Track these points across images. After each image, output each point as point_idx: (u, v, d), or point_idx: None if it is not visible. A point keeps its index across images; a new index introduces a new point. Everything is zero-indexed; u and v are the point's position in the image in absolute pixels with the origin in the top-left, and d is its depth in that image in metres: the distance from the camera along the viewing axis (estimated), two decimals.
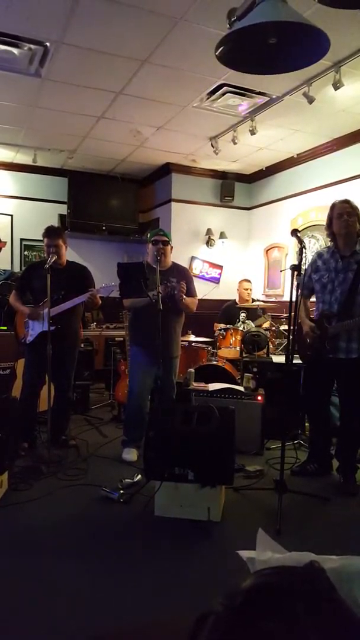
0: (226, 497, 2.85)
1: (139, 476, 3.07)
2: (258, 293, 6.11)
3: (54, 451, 3.48)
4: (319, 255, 3.34)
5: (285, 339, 4.75)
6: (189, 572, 2.18)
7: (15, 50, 3.51)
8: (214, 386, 4.04)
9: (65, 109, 4.50)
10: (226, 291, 6.27)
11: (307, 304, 3.44)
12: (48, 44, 3.41)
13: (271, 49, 1.67)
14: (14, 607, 1.90)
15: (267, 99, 4.23)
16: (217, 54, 1.73)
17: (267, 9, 1.55)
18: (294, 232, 2.85)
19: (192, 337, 4.93)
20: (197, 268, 6.36)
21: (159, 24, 3.14)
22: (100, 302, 3.69)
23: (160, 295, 3.25)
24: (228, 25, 1.81)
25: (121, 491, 2.88)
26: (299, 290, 2.80)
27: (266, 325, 5.03)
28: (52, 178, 6.38)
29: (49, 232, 3.67)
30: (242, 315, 5.09)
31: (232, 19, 1.77)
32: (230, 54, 1.72)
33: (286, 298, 5.63)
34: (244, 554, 0.60)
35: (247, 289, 5.52)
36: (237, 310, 5.20)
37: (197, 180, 6.31)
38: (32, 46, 3.46)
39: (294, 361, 3.34)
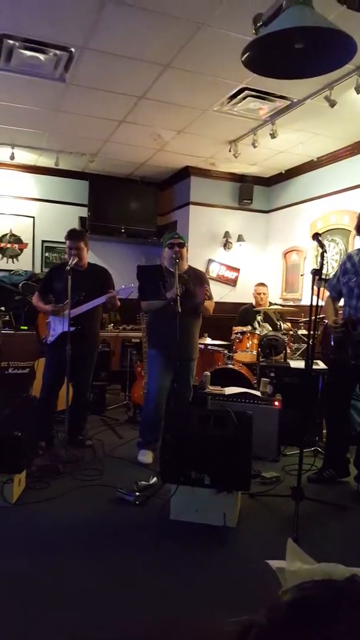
0: (242, 502, 2.83)
1: (155, 479, 3.08)
2: (275, 297, 6.07)
3: (71, 451, 3.51)
4: (349, 257, 3.27)
5: (304, 344, 4.72)
6: (204, 579, 2.17)
7: (41, 56, 3.56)
8: (230, 390, 4.02)
9: (88, 113, 4.54)
10: (243, 294, 6.25)
11: (336, 307, 3.37)
12: (73, 49, 3.45)
13: (297, 54, 1.66)
14: (29, 605, 1.92)
15: (288, 102, 4.21)
16: (243, 59, 1.73)
17: (294, 15, 1.54)
18: (315, 236, 2.82)
19: (209, 340, 4.93)
20: (214, 271, 6.35)
21: (182, 29, 3.16)
22: (119, 303, 3.73)
23: (178, 298, 3.27)
24: (254, 31, 1.81)
25: (137, 493, 2.88)
26: (324, 293, 2.78)
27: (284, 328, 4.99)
28: (74, 181, 6.45)
29: (72, 234, 3.72)
30: (259, 318, 5.07)
31: (258, 24, 1.77)
32: (257, 59, 1.72)
33: (304, 302, 5.63)
34: (274, 563, 0.59)
35: (260, 294, 5.49)
36: (254, 314, 5.18)
37: (215, 183, 6.31)
38: (57, 52, 3.50)
39: (314, 366, 3.31)
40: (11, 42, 3.40)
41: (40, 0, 2.91)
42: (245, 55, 1.70)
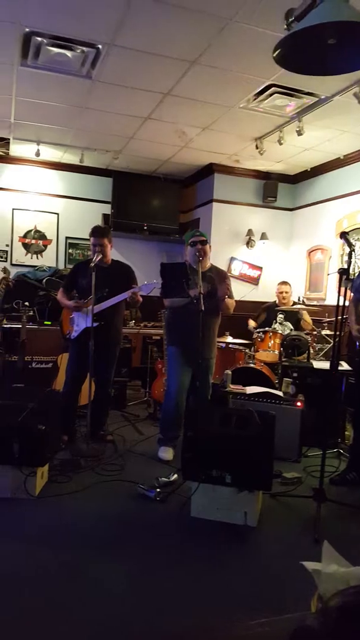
0: (263, 502, 2.82)
1: (175, 475, 3.09)
2: (296, 296, 6.00)
3: (92, 445, 3.55)
4: None
5: (327, 344, 4.66)
6: (224, 577, 2.17)
7: (68, 53, 3.58)
8: (251, 389, 4.00)
9: (114, 110, 4.56)
10: (265, 293, 6.21)
11: (358, 309, 3.32)
12: (100, 46, 3.46)
13: (331, 50, 1.63)
14: (49, 599, 1.94)
15: (316, 99, 4.15)
16: (274, 56, 1.71)
17: (329, 9, 1.51)
18: (343, 235, 2.78)
19: (230, 339, 4.91)
20: (236, 269, 6.31)
21: (210, 25, 3.13)
22: (141, 299, 3.74)
23: (202, 295, 3.27)
24: (285, 26, 1.79)
25: (157, 490, 2.90)
26: (348, 294, 2.74)
27: (307, 321, 4.91)
28: (98, 178, 6.49)
29: (96, 231, 3.75)
30: (280, 316, 5.03)
31: (290, 20, 1.74)
32: (289, 56, 1.70)
33: (328, 302, 5.55)
34: (309, 565, 0.59)
35: (282, 292, 5.41)
36: (276, 313, 5.14)
37: (239, 180, 6.27)
38: (84, 48, 3.51)
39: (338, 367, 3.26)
40: (39, 39, 3.42)
41: None
42: (277, 52, 1.67)
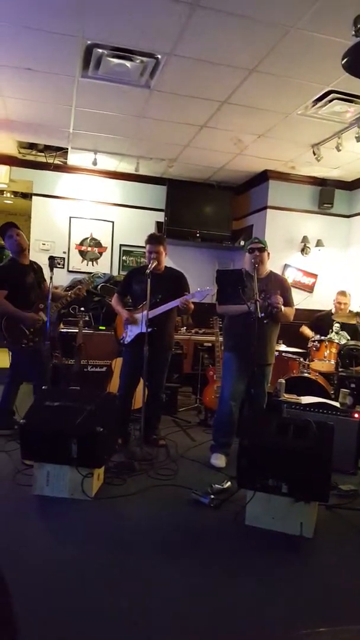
0: (318, 513, 2.75)
1: (229, 483, 3.07)
2: (355, 305, 5.82)
3: (146, 449, 3.59)
4: None
5: None
6: (280, 586, 2.13)
7: (128, 64, 3.66)
8: (306, 399, 3.92)
9: (170, 118, 4.63)
10: (320, 301, 6.08)
11: None
12: (159, 56, 3.53)
13: None
14: (103, 600, 1.96)
15: None
16: (343, 63, 1.68)
17: None
18: None
19: (283, 347, 4.83)
20: (290, 276, 6.21)
21: (271, 33, 3.12)
22: (192, 307, 3.74)
23: (258, 303, 3.25)
24: (353, 32, 1.76)
25: (212, 496, 2.89)
26: None
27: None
28: (152, 186, 6.60)
29: (152, 239, 3.82)
30: (337, 325, 4.90)
31: (359, 26, 1.71)
32: (358, 62, 1.67)
33: None
34: None
35: (340, 303, 5.26)
36: (331, 321, 5.01)
37: (294, 187, 6.18)
38: (144, 59, 3.59)
39: None
40: (100, 50, 3.51)
41: (132, 10, 2.99)
42: (345, 60, 1.65)
